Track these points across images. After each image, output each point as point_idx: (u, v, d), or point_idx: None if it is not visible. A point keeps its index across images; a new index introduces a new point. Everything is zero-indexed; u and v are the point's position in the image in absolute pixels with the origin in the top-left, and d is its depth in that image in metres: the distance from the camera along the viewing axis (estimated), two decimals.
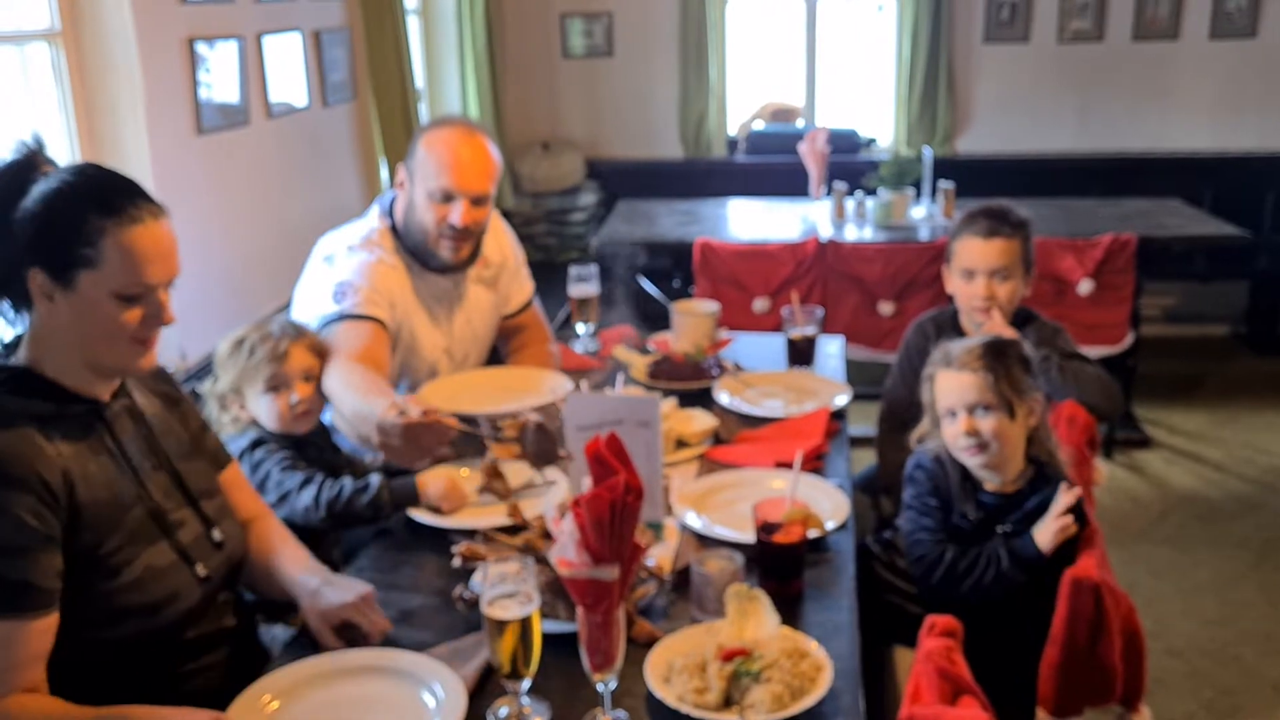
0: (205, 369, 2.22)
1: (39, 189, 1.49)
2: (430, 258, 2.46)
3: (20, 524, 1.41)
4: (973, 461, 2.05)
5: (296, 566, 1.76)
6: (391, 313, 2.38)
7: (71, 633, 1.48)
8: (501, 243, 2.72)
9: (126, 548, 1.54)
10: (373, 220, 2.50)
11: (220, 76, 3.37)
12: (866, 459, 2.94)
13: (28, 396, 1.50)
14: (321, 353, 2.21)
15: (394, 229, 2.48)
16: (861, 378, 2.84)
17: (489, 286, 2.66)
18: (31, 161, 1.52)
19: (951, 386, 2.05)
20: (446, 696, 1.47)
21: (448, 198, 2.37)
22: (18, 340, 1.57)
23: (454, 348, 2.58)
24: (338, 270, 2.38)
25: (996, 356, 2.03)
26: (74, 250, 1.48)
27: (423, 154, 2.39)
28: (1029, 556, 1.95)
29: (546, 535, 1.80)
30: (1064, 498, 1.95)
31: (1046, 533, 1.94)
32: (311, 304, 2.37)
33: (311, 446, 2.19)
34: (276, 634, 1.89)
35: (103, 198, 1.49)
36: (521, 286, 2.78)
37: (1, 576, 1.39)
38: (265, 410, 2.13)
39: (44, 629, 1.43)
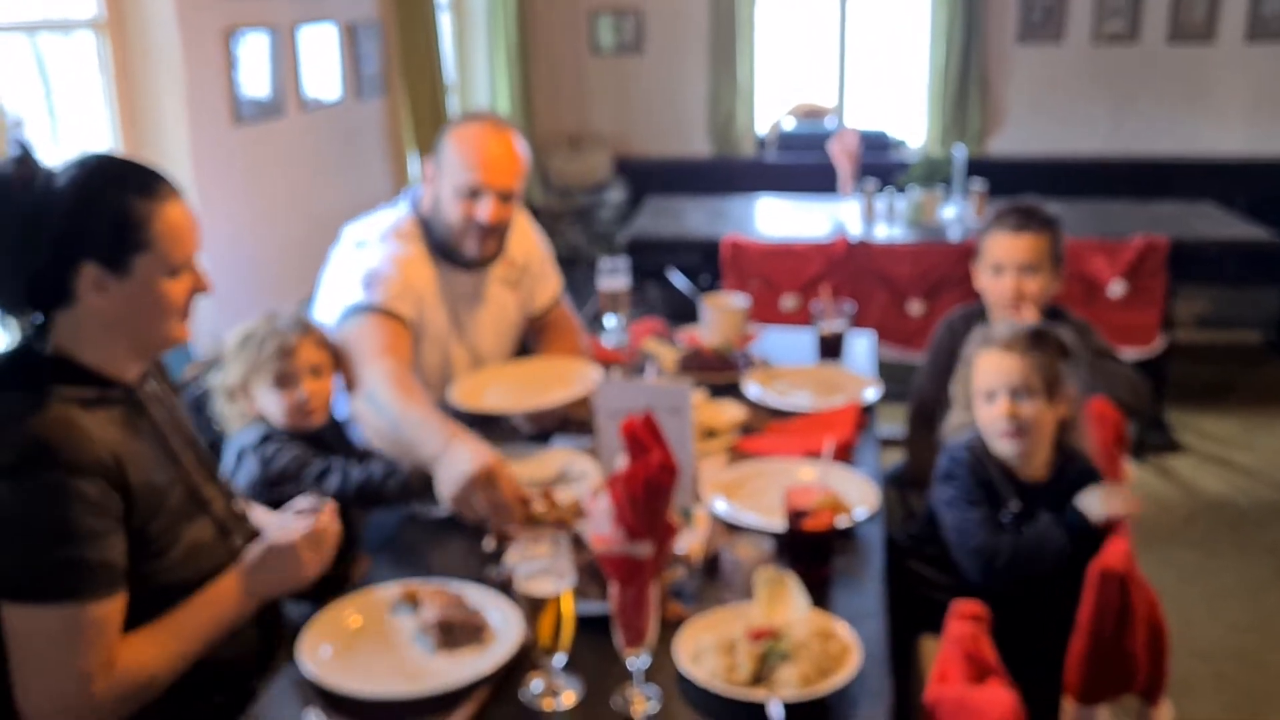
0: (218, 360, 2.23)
1: (64, 187, 1.49)
2: (455, 253, 2.43)
3: (92, 507, 1.44)
4: (1008, 448, 2.05)
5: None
6: (416, 308, 2.36)
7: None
8: (527, 241, 2.68)
9: (171, 527, 1.57)
10: (402, 211, 2.47)
11: (256, 68, 3.41)
12: (892, 461, 2.94)
13: (71, 383, 1.52)
14: (330, 347, 2.18)
15: (421, 222, 2.45)
16: (890, 379, 2.84)
17: (512, 287, 2.63)
18: (30, 168, 1.51)
19: (993, 367, 2.05)
20: (506, 618, 1.62)
21: (475, 193, 2.34)
22: (33, 335, 1.55)
23: (475, 346, 2.54)
24: (368, 257, 2.35)
25: (1040, 342, 2.04)
26: (128, 237, 1.50)
27: (451, 149, 2.37)
28: (1078, 525, 1.95)
29: (574, 514, 1.83)
30: (1118, 497, 1.95)
31: (1098, 506, 1.94)
32: (339, 289, 2.33)
33: (322, 441, 2.16)
34: (304, 610, 1.92)
35: (141, 182, 1.53)
36: (547, 284, 2.74)
37: (82, 559, 1.42)
38: (273, 405, 2.10)
39: (122, 606, 1.49)
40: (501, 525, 1.86)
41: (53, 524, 1.41)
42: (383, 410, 2.06)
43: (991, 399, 2.05)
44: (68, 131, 2.91)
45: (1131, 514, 1.92)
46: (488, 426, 2.42)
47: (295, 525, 1.66)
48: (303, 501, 1.73)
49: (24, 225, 1.48)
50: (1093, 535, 1.92)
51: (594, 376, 2.35)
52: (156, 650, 1.51)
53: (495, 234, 2.42)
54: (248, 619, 1.63)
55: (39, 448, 1.43)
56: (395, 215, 2.46)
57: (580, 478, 2.13)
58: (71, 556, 1.42)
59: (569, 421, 2.39)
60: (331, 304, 2.32)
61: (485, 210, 2.35)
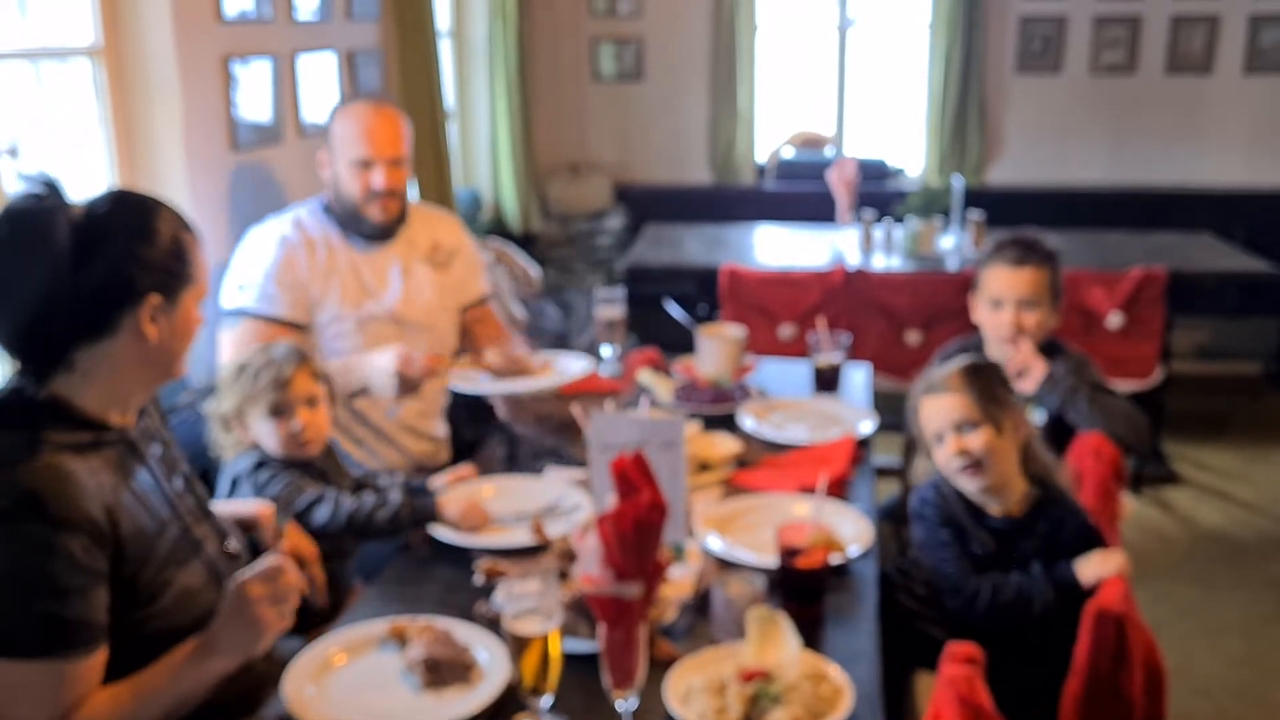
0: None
1: (116, 220, 1.51)
2: (363, 224, 2.65)
3: (74, 563, 1.41)
4: (972, 485, 2.03)
5: None
6: (300, 297, 2.58)
7: (107, 660, 1.49)
8: (456, 234, 2.90)
9: (162, 573, 1.55)
10: (310, 203, 2.73)
11: (255, 95, 3.42)
12: (890, 491, 2.93)
13: (67, 428, 1.50)
14: (324, 377, 2.21)
15: (327, 208, 2.70)
16: (886, 408, 2.83)
17: (440, 268, 2.80)
18: (62, 200, 1.51)
19: (935, 410, 2.06)
20: (494, 657, 1.59)
21: (367, 164, 2.60)
22: (27, 377, 1.53)
23: (402, 315, 2.69)
24: (246, 258, 2.61)
25: (973, 374, 2.04)
26: (187, 269, 1.58)
27: (337, 130, 2.64)
28: (1070, 585, 1.93)
29: (569, 556, 1.80)
30: (1113, 561, 1.94)
31: (1092, 571, 1.92)
32: (227, 282, 2.60)
33: (315, 469, 2.17)
34: (293, 645, 1.90)
35: (183, 217, 1.61)
36: (477, 279, 2.94)
37: (59, 616, 1.40)
38: (267, 435, 2.11)
39: (101, 662, 1.46)
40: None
41: (34, 578, 1.39)
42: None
43: (941, 441, 2.04)
44: (63, 158, 2.90)
45: (1123, 574, 1.90)
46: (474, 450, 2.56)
47: (245, 574, 1.56)
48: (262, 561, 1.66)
49: (79, 257, 1.47)
50: (1082, 594, 1.90)
51: (571, 369, 2.59)
52: (114, 709, 1.47)
53: (394, 197, 2.65)
54: (211, 687, 1.56)
55: (28, 498, 1.40)
56: (297, 208, 2.73)
57: (572, 510, 2.12)
58: (50, 613, 1.39)
59: (541, 417, 2.56)
60: (223, 295, 2.59)
61: (379, 178, 2.61)
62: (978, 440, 2.00)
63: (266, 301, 2.56)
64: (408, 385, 2.35)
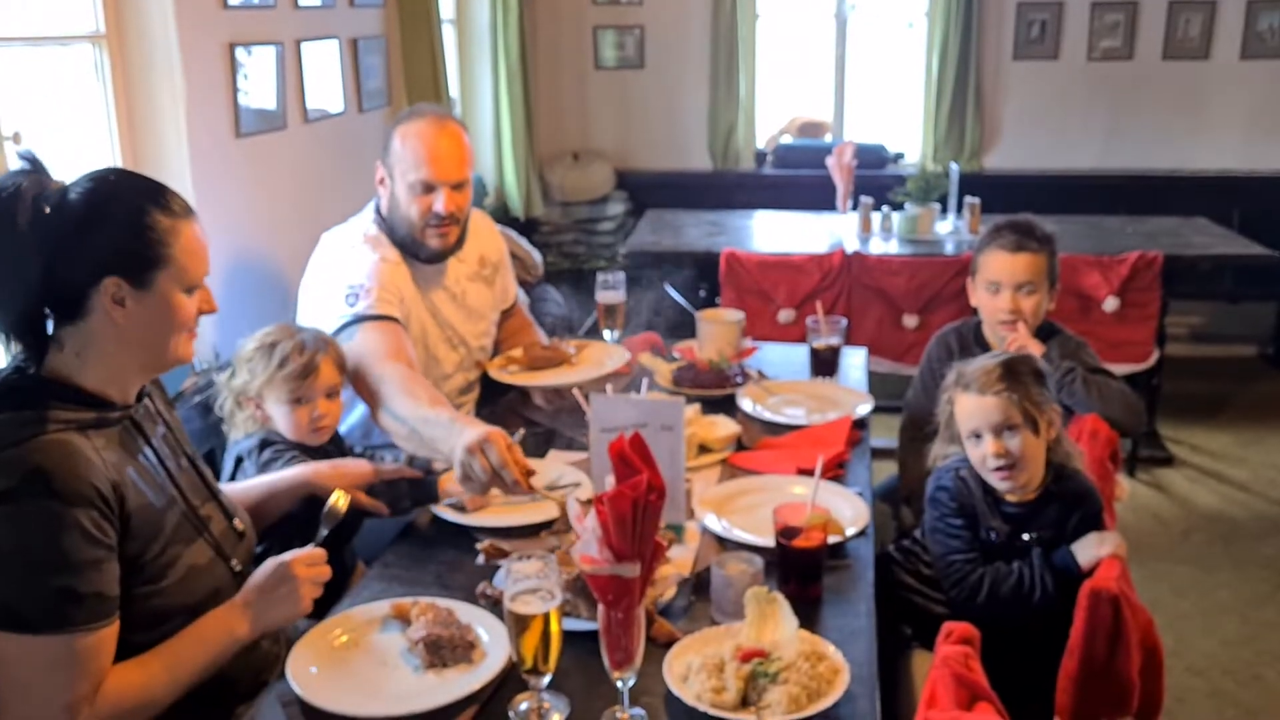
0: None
1: (87, 200, 1.50)
2: (419, 248, 2.50)
3: (88, 537, 1.43)
4: (1004, 485, 2.05)
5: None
6: (402, 309, 2.43)
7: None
8: (496, 241, 2.83)
9: (168, 550, 1.56)
10: (369, 217, 2.56)
11: (259, 81, 3.43)
12: (887, 471, 2.95)
13: (70, 406, 1.50)
14: (344, 368, 2.22)
15: (385, 225, 2.53)
16: (884, 391, 2.86)
17: (488, 283, 2.75)
18: (41, 180, 1.51)
19: (975, 409, 2.05)
20: (496, 636, 1.60)
21: (429, 189, 2.44)
22: (26, 356, 1.54)
23: (458, 338, 2.65)
24: (346, 272, 2.42)
25: (1014, 376, 2.04)
26: (155, 252, 1.53)
27: (398, 148, 2.46)
28: (1069, 572, 1.95)
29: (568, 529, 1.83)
30: (1109, 541, 1.96)
31: (1089, 553, 1.95)
32: (323, 306, 2.40)
33: (320, 452, 2.19)
34: (299, 624, 1.92)
35: (165, 200, 1.56)
36: (512, 283, 2.90)
37: (73, 590, 1.42)
38: (284, 419, 2.13)
39: (115, 633, 1.48)
40: (505, 489, 1.93)
41: (47, 553, 1.41)
42: (401, 420, 2.14)
43: (978, 440, 2.05)
44: (67, 145, 2.92)
45: (1120, 555, 1.93)
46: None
47: (293, 555, 1.64)
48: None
49: (42, 237, 1.47)
50: (1081, 577, 1.92)
51: (615, 359, 2.59)
52: (145, 680, 1.50)
53: (455, 224, 2.51)
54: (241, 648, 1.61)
55: (37, 475, 1.41)
56: (363, 222, 2.55)
57: (572, 491, 2.14)
58: (65, 587, 1.41)
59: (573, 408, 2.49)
60: (319, 319, 2.38)
61: (441, 203, 2.44)
62: (1017, 443, 2.01)
63: (384, 305, 2.38)
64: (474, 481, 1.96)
